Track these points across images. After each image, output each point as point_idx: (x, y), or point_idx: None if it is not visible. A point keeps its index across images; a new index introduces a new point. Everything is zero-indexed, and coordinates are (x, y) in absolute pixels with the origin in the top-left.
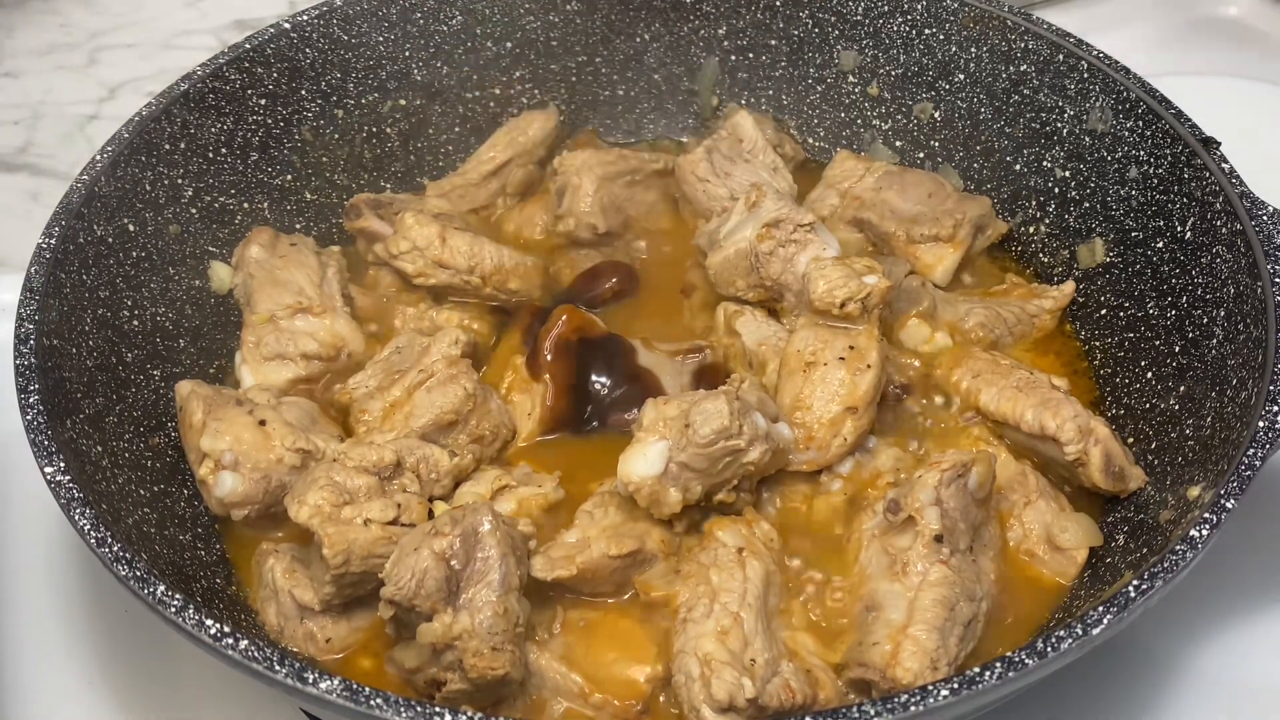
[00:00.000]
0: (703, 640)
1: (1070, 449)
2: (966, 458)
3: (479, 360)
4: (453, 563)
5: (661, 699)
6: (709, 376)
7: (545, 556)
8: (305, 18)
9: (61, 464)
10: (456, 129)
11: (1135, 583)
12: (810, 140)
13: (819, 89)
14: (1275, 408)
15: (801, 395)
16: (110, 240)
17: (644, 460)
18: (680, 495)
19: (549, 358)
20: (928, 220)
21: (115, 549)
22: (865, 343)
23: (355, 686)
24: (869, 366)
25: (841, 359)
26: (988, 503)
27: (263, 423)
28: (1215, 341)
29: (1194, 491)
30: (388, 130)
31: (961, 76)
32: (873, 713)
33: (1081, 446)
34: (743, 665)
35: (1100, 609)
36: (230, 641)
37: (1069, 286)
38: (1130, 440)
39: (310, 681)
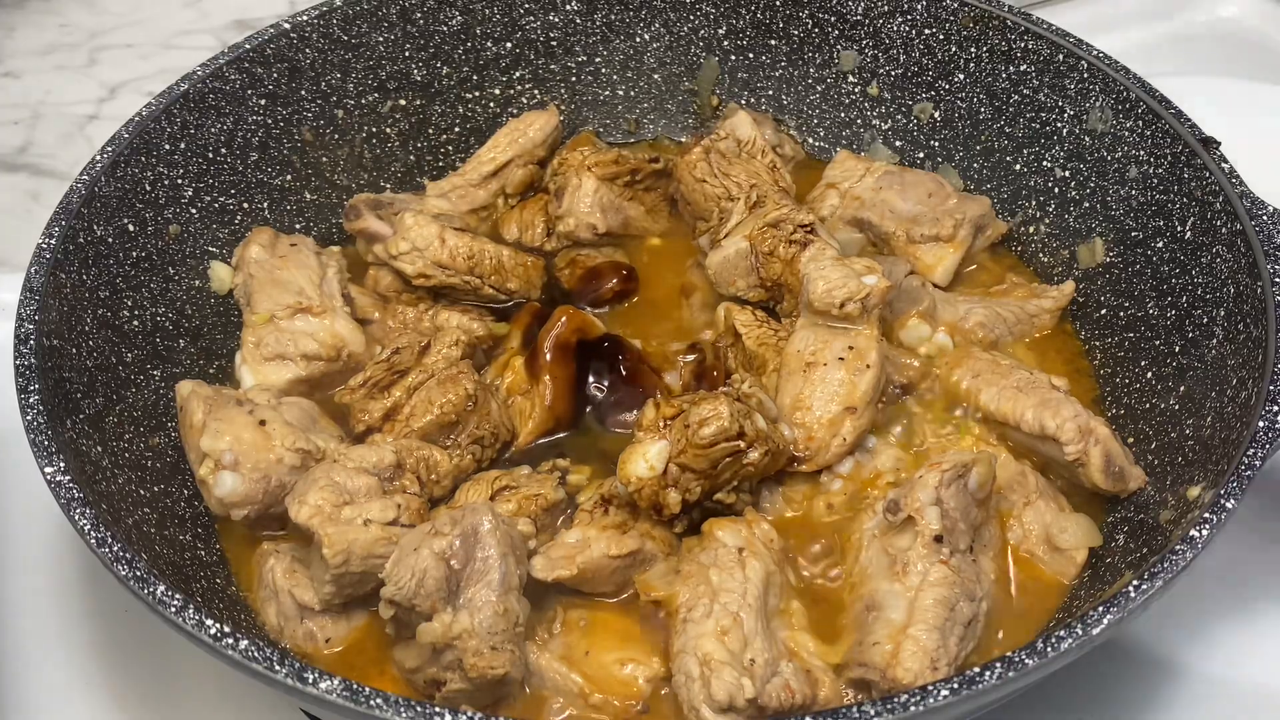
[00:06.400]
0: (702, 640)
1: (1070, 449)
2: (966, 458)
3: (479, 360)
4: (452, 563)
5: (662, 694)
6: (709, 376)
7: (545, 556)
8: (305, 18)
9: (61, 464)
10: (456, 129)
11: (1135, 583)
12: (810, 140)
13: (819, 89)
14: (1275, 408)
15: (801, 395)
16: (110, 240)
17: (644, 460)
18: (680, 496)
19: (549, 358)
20: (928, 220)
21: (115, 549)
22: (865, 343)
23: (355, 686)
24: (868, 367)
25: (841, 359)
26: (988, 503)
27: (263, 423)
28: (1215, 341)
29: (1194, 491)
30: (388, 130)
31: (961, 76)
32: (873, 713)
33: (1081, 446)
34: (742, 665)
35: (1100, 609)
36: (230, 641)
37: (1069, 286)
38: (1130, 440)
39: (310, 681)
